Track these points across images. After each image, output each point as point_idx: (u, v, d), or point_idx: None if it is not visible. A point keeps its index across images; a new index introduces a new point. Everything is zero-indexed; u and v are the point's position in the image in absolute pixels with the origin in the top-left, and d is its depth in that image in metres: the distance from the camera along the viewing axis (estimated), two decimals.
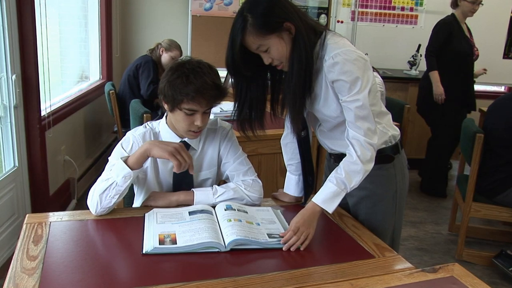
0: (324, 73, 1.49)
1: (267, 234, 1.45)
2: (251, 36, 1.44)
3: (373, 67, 3.48)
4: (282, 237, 1.43)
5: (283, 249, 1.41)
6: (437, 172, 4.24)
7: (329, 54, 1.46)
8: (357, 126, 1.48)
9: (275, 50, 1.47)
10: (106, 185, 1.52)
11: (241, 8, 1.47)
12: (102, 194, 1.53)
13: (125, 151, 1.64)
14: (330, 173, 1.80)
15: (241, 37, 1.44)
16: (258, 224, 1.49)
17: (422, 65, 5.01)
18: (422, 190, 4.30)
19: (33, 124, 2.85)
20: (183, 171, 1.55)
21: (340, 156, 1.67)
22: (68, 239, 1.42)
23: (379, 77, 3.48)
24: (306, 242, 1.43)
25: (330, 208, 1.48)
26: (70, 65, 4.07)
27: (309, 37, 1.46)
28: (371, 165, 1.50)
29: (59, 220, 1.52)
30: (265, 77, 1.62)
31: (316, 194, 1.52)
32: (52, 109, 3.14)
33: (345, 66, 1.43)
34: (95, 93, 4.18)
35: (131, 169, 1.54)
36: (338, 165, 1.67)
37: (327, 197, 1.49)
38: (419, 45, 4.93)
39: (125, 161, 1.54)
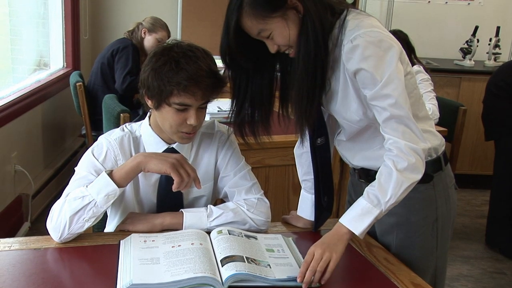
0: (343, 63, 1.51)
1: (275, 264, 1.48)
2: (249, 19, 1.46)
3: (414, 57, 3.50)
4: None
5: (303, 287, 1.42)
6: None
7: (348, 38, 1.48)
8: (392, 128, 1.48)
9: (279, 35, 1.49)
10: (81, 205, 1.55)
11: None
12: (74, 216, 1.55)
13: (97, 160, 1.66)
14: (354, 192, 1.83)
15: (237, 20, 1.47)
16: (269, 265, 1.50)
17: (479, 54, 5.00)
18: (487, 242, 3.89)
19: None
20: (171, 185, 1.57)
21: (366, 171, 1.69)
22: (18, 273, 1.43)
23: (424, 72, 3.46)
24: (327, 274, 1.43)
25: (357, 228, 1.48)
26: (24, 48, 4.09)
27: (321, 17, 1.48)
28: (414, 176, 1.48)
29: (6, 249, 1.54)
30: (272, 68, 1.64)
31: (345, 213, 1.54)
32: (0, 105, 3.17)
33: (367, 50, 1.44)
34: (57, 85, 4.21)
35: (118, 186, 1.57)
36: (364, 182, 1.69)
37: (355, 214, 1.50)
38: (476, 27, 4.93)
39: (110, 176, 1.57)
